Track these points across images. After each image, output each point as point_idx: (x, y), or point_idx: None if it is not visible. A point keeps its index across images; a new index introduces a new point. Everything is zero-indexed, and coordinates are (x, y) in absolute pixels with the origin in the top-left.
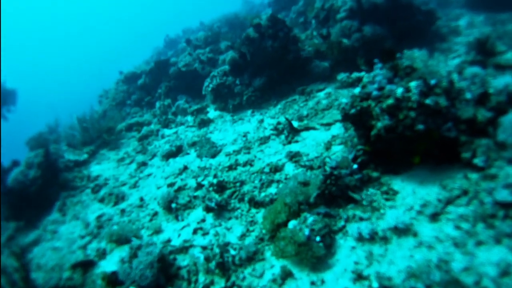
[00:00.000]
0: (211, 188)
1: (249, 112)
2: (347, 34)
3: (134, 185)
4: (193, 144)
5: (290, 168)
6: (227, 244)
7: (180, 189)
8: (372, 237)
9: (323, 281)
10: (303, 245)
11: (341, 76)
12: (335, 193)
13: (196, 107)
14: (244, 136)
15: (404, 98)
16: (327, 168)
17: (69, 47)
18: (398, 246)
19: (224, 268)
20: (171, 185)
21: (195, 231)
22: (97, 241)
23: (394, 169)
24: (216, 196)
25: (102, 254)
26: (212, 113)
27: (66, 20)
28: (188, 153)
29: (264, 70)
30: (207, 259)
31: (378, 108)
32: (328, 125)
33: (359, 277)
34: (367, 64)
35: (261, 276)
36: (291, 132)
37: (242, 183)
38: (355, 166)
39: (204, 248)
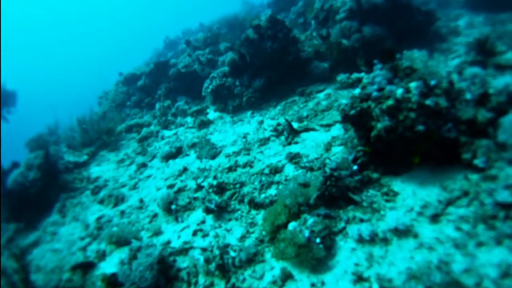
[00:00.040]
0: (211, 190)
1: (248, 113)
2: (347, 35)
3: (134, 187)
4: (193, 146)
5: (290, 170)
6: (227, 245)
7: (180, 190)
8: (373, 239)
9: (323, 283)
10: (303, 246)
11: (341, 77)
12: (335, 194)
13: (195, 108)
14: (244, 137)
15: (404, 99)
16: (327, 170)
17: (69, 49)
18: (399, 248)
19: (224, 269)
20: (170, 186)
21: (195, 233)
22: (97, 242)
23: (394, 170)
24: (216, 197)
25: (102, 256)
26: (211, 114)
27: (65, 21)
28: (188, 155)
29: (263, 71)
30: (207, 261)
31: (378, 109)
32: (328, 126)
33: (359, 278)
34: (367, 64)
35: (261, 278)
36: (291, 133)
37: (242, 184)
38: (355, 167)
39: (204, 249)
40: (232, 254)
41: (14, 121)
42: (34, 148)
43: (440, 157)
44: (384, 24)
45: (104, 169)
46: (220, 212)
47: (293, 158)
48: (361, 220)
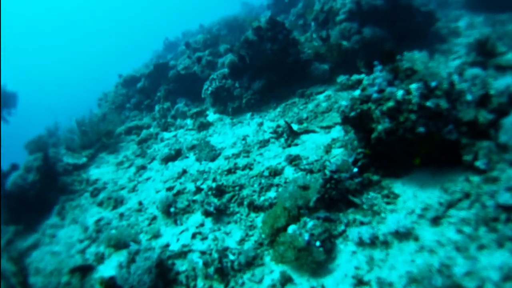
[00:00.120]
0: (210, 192)
1: (248, 115)
2: (347, 36)
3: (133, 189)
4: (192, 148)
5: (289, 172)
6: (226, 249)
7: (179, 193)
8: (373, 242)
9: (323, 287)
10: (303, 250)
11: (341, 78)
12: (335, 197)
13: (195, 110)
14: (244, 139)
15: (405, 100)
16: (327, 172)
17: (68, 50)
18: (399, 251)
19: (223, 273)
20: (170, 189)
21: (193, 236)
22: (95, 245)
23: (395, 172)
24: (215, 200)
25: (101, 259)
26: (211, 116)
27: (65, 23)
28: (187, 157)
29: (263, 73)
30: (206, 264)
31: (379, 111)
32: (328, 128)
33: (359, 282)
34: (367, 66)
35: (260, 281)
36: (291, 135)
37: (241, 187)
38: (355, 169)
39: (203, 253)
40: (231, 257)
41: (14, 123)
42: (33, 150)
43: (441, 159)
44: (384, 25)
45: (103, 171)
46: (219, 215)
47: (293, 160)
48: (362, 223)
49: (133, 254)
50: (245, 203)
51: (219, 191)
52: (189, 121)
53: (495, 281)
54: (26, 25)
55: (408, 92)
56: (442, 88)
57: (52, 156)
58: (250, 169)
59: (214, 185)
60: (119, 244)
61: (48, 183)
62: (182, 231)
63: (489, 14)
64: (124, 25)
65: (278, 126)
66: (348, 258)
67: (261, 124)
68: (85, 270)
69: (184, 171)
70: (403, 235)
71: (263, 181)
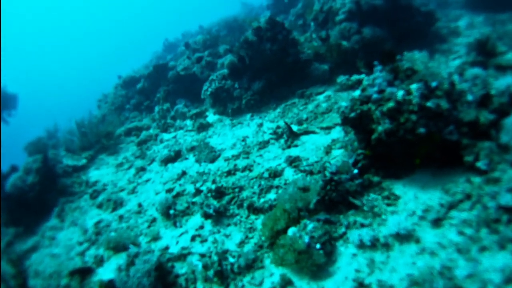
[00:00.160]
0: (209, 194)
1: (248, 116)
2: (346, 36)
3: (133, 191)
4: (192, 149)
5: (289, 173)
6: (225, 251)
7: (178, 195)
8: (374, 244)
9: None
10: (303, 252)
11: (341, 78)
12: (336, 199)
13: (195, 111)
14: (243, 140)
15: (405, 101)
16: (327, 173)
17: (68, 51)
18: (400, 253)
19: (223, 276)
20: (169, 190)
21: (193, 238)
22: (95, 247)
23: (396, 173)
24: (215, 202)
25: (100, 261)
26: (211, 117)
27: (65, 24)
28: (187, 158)
29: (263, 74)
30: (205, 267)
31: (379, 112)
32: (328, 128)
33: (360, 285)
34: (367, 66)
35: (260, 284)
36: (291, 136)
37: (241, 188)
38: (355, 170)
39: (202, 255)
40: (231, 260)
41: (13, 124)
42: (33, 152)
43: (442, 160)
44: (384, 25)
45: (103, 173)
46: (219, 217)
47: (293, 162)
48: (362, 225)
49: (133, 257)
50: (245, 205)
51: (219, 193)
52: (188, 122)
53: (496, 283)
54: (25, 26)
55: (408, 92)
56: (443, 88)
57: (52, 157)
58: (250, 170)
59: (213, 187)
60: (118, 247)
61: (48, 185)
62: (182, 234)
63: (489, 14)
64: (124, 26)
65: (278, 127)
66: (348, 261)
67: (260, 125)
68: (84, 272)
69: (184, 173)
70: (404, 237)
71: (263, 182)
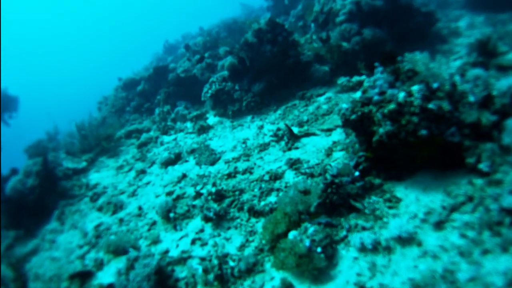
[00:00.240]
0: (209, 197)
1: (248, 118)
2: (347, 38)
3: (133, 194)
4: (192, 151)
5: (290, 176)
6: (226, 255)
7: (178, 197)
8: (375, 247)
9: None
10: (304, 256)
11: (342, 80)
12: (337, 201)
13: (195, 113)
14: (244, 142)
15: (406, 102)
16: (328, 176)
17: (68, 53)
18: (402, 256)
19: (223, 280)
20: (169, 193)
21: (193, 242)
22: (95, 251)
23: (397, 175)
24: (215, 205)
25: (100, 265)
26: (211, 119)
27: (65, 26)
28: (187, 161)
29: (263, 75)
30: (206, 271)
31: (380, 114)
32: (329, 130)
33: None
34: (368, 68)
35: None
36: (291, 139)
37: (242, 191)
38: (356, 173)
39: (202, 259)
40: (231, 263)
41: (14, 127)
42: (33, 155)
43: (444, 162)
44: (384, 26)
45: (103, 175)
46: (219, 220)
47: (294, 164)
48: (363, 228)
49: (132, 261)
50: (245, 208)
51: (219, 196)
52: (189, 124)
53: (499, 286)
54: (26, 28)
55: (409, 94)
56: (444, 90)
57: (52, 160)
58: (250, 173)
59: (214, 189)
60: (118, 250)
61: (48, 187)
62: (182, 237)
63: (489, 14)
64: (124, 27)
65: (279, 129)
66: (349, 264)
67: (261, 127)
68: (84, 276)
69: (184, 175)
70: (406, 240)
71: (263, 185)
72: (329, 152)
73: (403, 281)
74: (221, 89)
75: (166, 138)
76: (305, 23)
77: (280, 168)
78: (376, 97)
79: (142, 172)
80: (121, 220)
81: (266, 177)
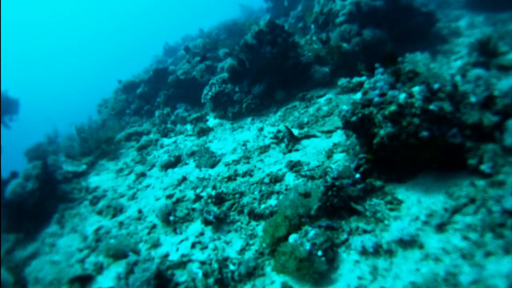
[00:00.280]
0: (209, 200)
1: (249, 119)
2: (347, 38)
3: (133, 197)
4: (192, 154)
5: (290, 178)
6: (226, 259)
7: (178, 201)
8: (377, 250)
9: None
10: (305, 260)
11: (342, 81)
12: (337, 204)
13: (195, 116)
14: (244, 145)
15: (407, 104)
16: (329, 178)
17: (68, 56)
18: (404, 259)
19: (223, 284)
20: (169, 196)
21: (193, 245)
22: (95, 254)
23: (398, 177)
24: (215, 208)
25: (100, 269)
26: (211, 121)
27: (65, 30)
28: (187, 163)
29: (263, 77)
30: (206, 275)
31: (380, 115)
32: (329, 132)
33: None
34: (368, 69)
35: None
36: (291, 141)
37: (242, 194)
38: (357, 175)
39: (202, 263)
40: (232, 267)
41: (13, 129)
42: (32, 158)
43: (445, 163)
44: (384, 26)
45: (103, 178)
46: (219, 223)
47: (294, 166)
48: (365, 231)
49: (132, 265)
50: (246, 211)
51: (219, 199)
52: (189, 127)
53: None
54: (26, 31)
55: (410, 95)
56: (445, 90)
57: (52, 163)
58: (251, 175)
59: (213, 192)
60: (118, 254)
61: (47, 191)
62: (182, 240)
63: (489, 14)
64: (124, 30)
65: (279, 131)
66: (350, 268)
67: (261, 129)
68: (84, 280)
69: (184, 178)
70: (408, 243)
71: (263, 188)
72: (329, 154)
73: (405, 285)
74: (221, 91)
75: (166, 141)
76: (305, 24)
77: (280, 170)
78: (376, 99)
79: (142, 175)
80: (121, 224)
81: (266, 180)
